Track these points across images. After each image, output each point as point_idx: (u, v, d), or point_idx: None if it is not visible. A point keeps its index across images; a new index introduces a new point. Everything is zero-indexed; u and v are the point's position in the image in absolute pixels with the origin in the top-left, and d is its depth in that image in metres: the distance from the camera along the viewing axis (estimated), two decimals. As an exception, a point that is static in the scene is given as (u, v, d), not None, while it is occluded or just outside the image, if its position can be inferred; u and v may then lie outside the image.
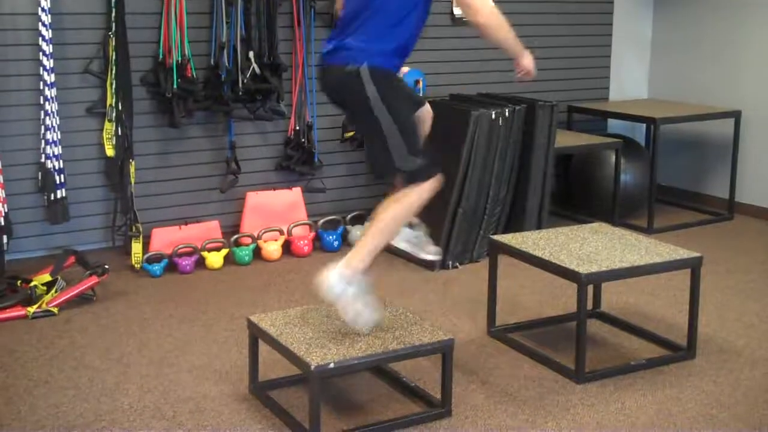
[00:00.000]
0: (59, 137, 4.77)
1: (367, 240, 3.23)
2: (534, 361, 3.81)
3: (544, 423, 3.30)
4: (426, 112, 3.59)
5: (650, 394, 3.53)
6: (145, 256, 4.89)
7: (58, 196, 4.78)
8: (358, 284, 3.20)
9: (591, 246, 3.90)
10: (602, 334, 4.14)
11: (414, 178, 3.20)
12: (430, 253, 3.68)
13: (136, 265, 4.88)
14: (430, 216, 5.08)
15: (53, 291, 4.36)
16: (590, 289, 3.98)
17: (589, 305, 4.03)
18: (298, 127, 5.45)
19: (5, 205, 4.64)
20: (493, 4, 3.27)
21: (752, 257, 5.33)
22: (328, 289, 3.18)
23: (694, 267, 3.84)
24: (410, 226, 3.54)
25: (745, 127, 6.13)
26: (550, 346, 3.96)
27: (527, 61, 3.49)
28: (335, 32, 3.35)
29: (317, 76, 3.48)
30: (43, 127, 4.74)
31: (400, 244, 3.53)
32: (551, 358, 3.80)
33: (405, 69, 5.74)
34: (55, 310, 4.28)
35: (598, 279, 3.80)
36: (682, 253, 3.86)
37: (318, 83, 3.40)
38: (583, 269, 3.59)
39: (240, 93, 5.13)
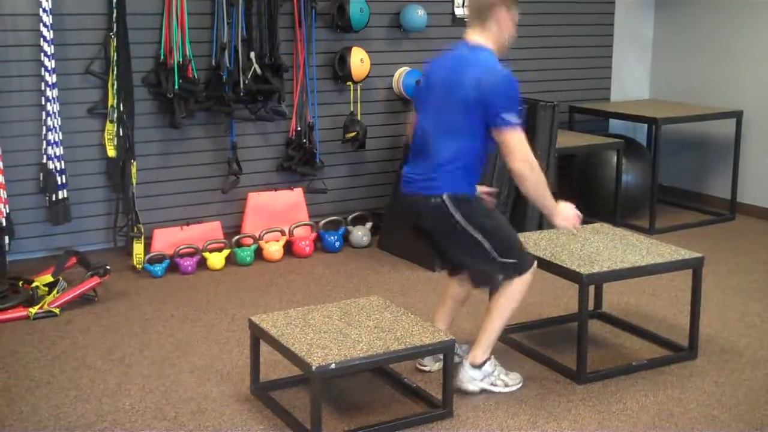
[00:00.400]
0: (61, 138, 4.77)
1: (487, 335, 3.51)
2: (535, 362, 3.81)
3: (545, 423, 3.30)
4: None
5: (652, 395, 3.53)
6: (147, 257, 4.89)
7: (60, 196, 4.79)
8: (490, 371, 3.52)
9: (592, 246, 3.90)
10: (603, 334, 4.14)
11: (514, 270, 3.44)
12: (510, 384, 3.58)
13: (137, 266, 4.89)
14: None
15: (55, 292, 4.37)
16: (591, 289, 3.98)
17: (591, 306, 4.04)
18: (299, 128, 5.45)
19: (7, 206, 4.64)
20: (532, 158, 3.29)
21: (754, 257, 5.33)
22: (468, 388, 3.50)
23: (695, 267, 3.84)
24: (480, 366, 3.52)
25: (747, 127, 6.12)
26: (551, 346, 3.96)
27: (562, 221, 3.46)
28: (411, 160, 3.52)
29: (399, 204, 3.61)
30: (44, 127, 4.75)
31: (478, 386, 3.52)
32: (552, 358, 3.80)
33: (406, 69, 5.75)
34: (57, 310, 4.28)
35: (599, 279, 3.80)
36: (684, 254, 3.86)
37: (399, 210, 3.62)
38: (584, 270, 3.59)
39: (241, 94, 5.13)
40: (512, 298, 3.46)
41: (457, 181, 3.37)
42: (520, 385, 3.57)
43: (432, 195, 3.37)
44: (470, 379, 3.49)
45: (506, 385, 3.54)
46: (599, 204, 6.05)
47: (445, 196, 3.35)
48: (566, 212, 3.47)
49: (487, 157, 3.52)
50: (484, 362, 3.51)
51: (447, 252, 3.57)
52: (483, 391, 3.50)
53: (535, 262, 3.52)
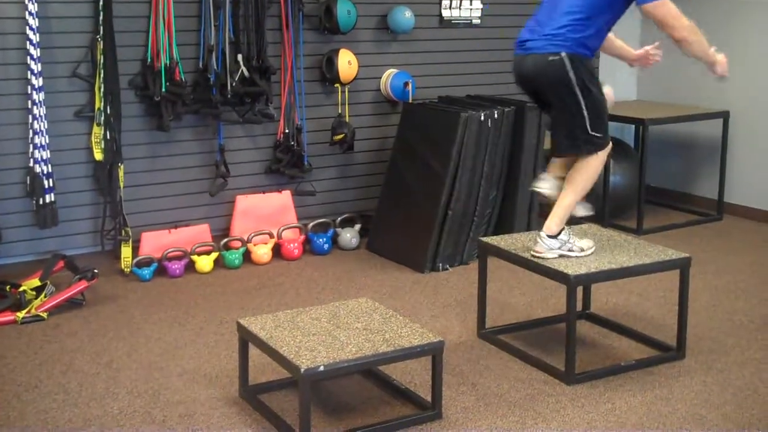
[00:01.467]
0: (47, 141, 4.75)
1: (563, 207, 3.79)
2: (524, 363, 3.82)
3: (534, 424, 3.30)
4: (609, 94, 3.97)
5: (640, 395, 3.54)
6: (135, 260, 4.88)
7: (47, 200, 4.77)
8: (566, 239, 3.79)
9: (580, 247, 3.91)
10: (592, 335, 4.15)
11: (596, 146, 3.73)
12: (585, 248, 3.85)
13: (125, 269, 4.87)
14: (420, 218, 5.10)
15: (42, 296, 4.35)
16: (579, 290, 3.98)
17: (579, 306, 4.04)
18: (287, 130, 5.45)
19: (-7, 210, 4.63)
20: (689, 23, 3.65)
21: (741, 257, 5.35)
22: (547, 256, 3.76)
23: (683, 267, 3.86)
24: (556, 236, 3.79)
25: (734, 128, 6.15)
26: (540, 347, 3.97)
27: (720, 69, 3.83)
28: (532, 23, 3.80)
29: (514, 63, 3.87)
30: (31, 131, 4.73)
31: (556, 253, 3.80)
32: (541, 359, 3.81)
33: (394, 70, 5.76)
34: (45, 315, 4.26)
35: (587, 280, 3.81)
36: (671, 254, 3.87)
37: (516, 69, 3.90)
38: (572, 270, 3.60)
39: (229, 96, 5.13)
40: (589, 174, 3.76)
41: (578, 45, 3.63)
42: (593, 249, 3.82)
43: (551, 53, 3.63)
44: (548, 248, 3.75)
45: (582, 250, 3.80)
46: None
47: (564, 55, 3.61)
48: (724, 61, 3.81)
49: (607, 32, 3.84)
50: (560, 232, 3.77)
51: (552, 112, 3.83)
52: (561, 256, 3.75)
53: (610, 144, 3.81)
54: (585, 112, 3.67)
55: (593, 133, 3.69)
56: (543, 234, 3.77)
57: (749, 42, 6.12)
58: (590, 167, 3.76)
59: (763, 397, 3.52)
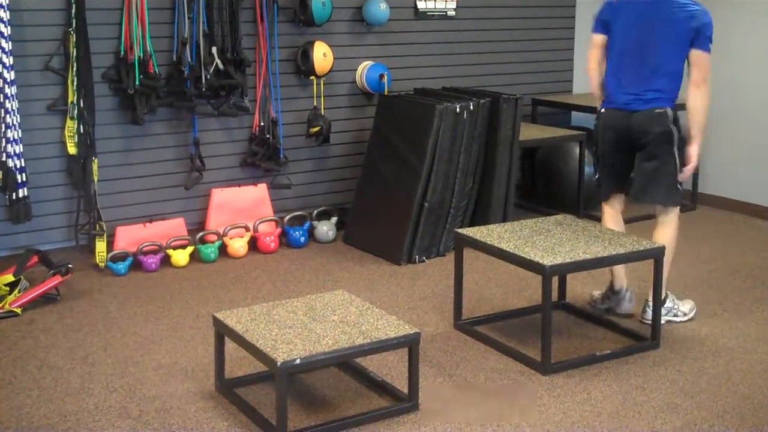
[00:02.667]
0: (20, 135, 4.70)
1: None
2: (500, 354, 3.83)
3: (510, 415, 3.32)
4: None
5: (615, 384, 3.57)
6: (110, 255, 4.85)
7: (20, 195, 4.72)
8: (671, 306, 4.18)
9: (555, 238, 3.93)
10: (567, 325, 4.17)
11: (678, 198, 4.11)
12: (687, 312, 4.24)
13: (100, 264, 4.84)
14: (397, 210, 5.11)
15: (16, 291, 4.31)
16: (555, 280, 4.00)
17: (555, 297, 4.06)
18: (262, 123, 5.43)
19: (-34, 205, 4.58)
20: (705, 94, 4.02)
21: (714, 247, 5.39)
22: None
23: (657, 257, 3.89)
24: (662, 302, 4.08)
25: (707, 119, 6.17)
26: (516, 338, 3.98)
27: (695, 156, 4.08)
28: (623, 81, 4.10)
29: (609, 118, 4.16)
30: (3, 125, 4.67)
31: (663, 319, 4.09)
32: (517, 350, 3.83)
33: (369, 63, 5.75)
34: (19, 310, 4.23)
35: (562, 270, 3.82)
36: (645, 244, 3.90)
37: (614, 124, 4.14)
38: (547, 261, 3.62)
39: (203, 89, 5.10)
40: (672, 229, 4.11)
41: (672, 99, 4.04)
42: (695, 311, 4.21)
43: (657, 108, 4.00)
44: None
45: (685, 315, 4.19)
46: (562, 196, 6.09)
47: (668, 110, 4.01)
48: (696, 154, 4.08)
49: None
50: (665, 299, 4.11)
51: (638, 165, 4.10)
52: (668, 322, 4.08)
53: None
54: (676, 163, 4.03)
55: (678, 184, 4.08)
56: (650, 302, 3.97)
57: (719, 33, 6.14)
58: (673, 221, 4.12)
59: (737, 386, 3.56)
